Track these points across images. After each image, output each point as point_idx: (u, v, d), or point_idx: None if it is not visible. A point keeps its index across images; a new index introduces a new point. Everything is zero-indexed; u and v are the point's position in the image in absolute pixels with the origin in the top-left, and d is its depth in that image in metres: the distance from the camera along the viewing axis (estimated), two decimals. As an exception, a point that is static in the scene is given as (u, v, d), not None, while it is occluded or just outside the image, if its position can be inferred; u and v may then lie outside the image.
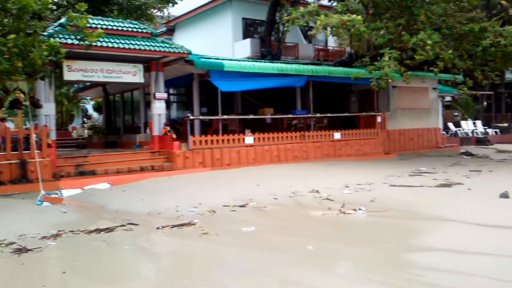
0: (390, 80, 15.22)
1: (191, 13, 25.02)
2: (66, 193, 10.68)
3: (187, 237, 6.67)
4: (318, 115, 17.32)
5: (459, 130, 28.81)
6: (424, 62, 15.46)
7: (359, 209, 8.17)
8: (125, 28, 13.25)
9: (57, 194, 10.57)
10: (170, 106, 23.01)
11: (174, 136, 13.91)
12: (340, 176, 12.80)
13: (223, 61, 14.31)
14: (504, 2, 28.75)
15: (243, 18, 23.07)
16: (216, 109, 19.61)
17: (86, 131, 24.28)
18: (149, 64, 14.13)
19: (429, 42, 12.25)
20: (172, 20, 26.85)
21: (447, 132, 28.21)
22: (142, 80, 13.96)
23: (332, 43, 26.82)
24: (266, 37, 21.36)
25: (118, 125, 22.55)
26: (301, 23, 14.33)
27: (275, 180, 12.09)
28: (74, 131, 29.83)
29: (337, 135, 17.25)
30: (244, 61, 15.36)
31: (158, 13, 23.29)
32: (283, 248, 5.96)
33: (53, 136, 12.68)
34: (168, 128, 14.07)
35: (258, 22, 23.29)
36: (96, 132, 23.79)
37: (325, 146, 16.86)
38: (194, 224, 7.43)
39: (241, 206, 8.82)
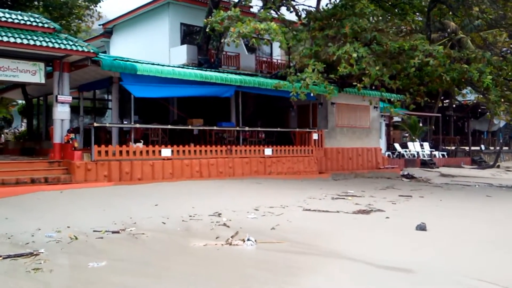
0: (317, 95, 14.31)
1: (129, 14, 23.53)
2: None
3: (11, 273, 5.20)
4: (247, 128, 16.16)
5: (406, 151, 28.43)
6: (350, 77, 14.62)
7: (248, 239, 6.92)
8: (23, 22, 11.72)
9: None
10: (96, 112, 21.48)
11: (76, 145, 12.36)
12: (257, 196, 11.61)
13: (137, 64, 12.92)
14: (453, 24, 28.89)
15: (182, 24, 21.78)
16: (152, 117, 18.29)
17: (2, 136, 22.23)
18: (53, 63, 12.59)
19: (354, 55, 11.35)
20: (109, 21, 25.24)
21: (393, 153, 27.76)
22: (43, 81, 12.40)
23: (277, 55, 25.92)
24: (203, 44, 20.15)
25: (41, 130, 20.69)
26: (219, 28, 13.14)
27: (181, 199, 10.76)
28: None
29: (267, 151, 16.13)
30: (162, 66, 14.03)
31: (88, 12, 21.66)
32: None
33: None
34: (71, 135, 12.51)
35: (198, 28, 22.08)
36: (16, 138, 21.78)
37: (255, 162, 15.69)
38: (36, 254, 5.96)
39: (114, 232, 7.40)
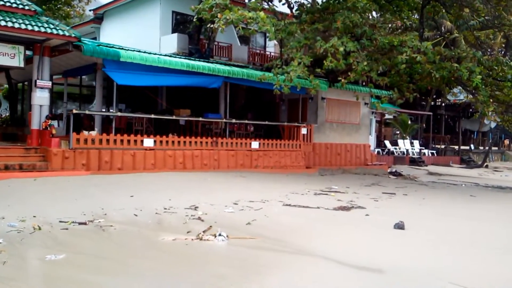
0: (310, 90, 14.03)
1: (120, 0, 23.04)
2: None
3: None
4: (233, 120, 15.87)
5: (395, 148, 28.27)
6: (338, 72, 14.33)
7: (219, 235, 6.67)
8: (1, 3, 11.37)
9: None
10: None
11: (54, 131, 12.02)
12: (239, 190, 11.36)
13: (120, 50, 12.56)
14: (448, 24, 28.66)
15: (174, 12, 21.35)
16: (141, 107, 17.93)
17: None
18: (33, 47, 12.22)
19: (340, 49, 11.06)
20: (100, 7, 24.77)
21: (383, 150, 27.59)
22: (22, 64, 12.03)
23: (271, 48, 25.58)
24: (194, 33, 19.77)
25: (24, 116, 20.26)
26: (207, 16, 12.80)
27: (159, 191, 10.46)
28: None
29: (254, 145, 15.86)
30: (149, 53, 13.66)
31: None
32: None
33: None
34: (49, 121, 12.17)
35: (191, 17, 21.65)
36: (1, 122, 21.35)
37: (241, 155, 15.42)
38: (-7, 245, 5.69)
39: (80, 224, 7.12)
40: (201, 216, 8.11)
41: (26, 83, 20.02)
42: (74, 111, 12.24)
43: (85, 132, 12.26)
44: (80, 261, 5.30)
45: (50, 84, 12.49)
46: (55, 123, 16.17)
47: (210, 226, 7.31)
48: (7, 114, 22.37)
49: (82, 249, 5.84)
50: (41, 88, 12.25)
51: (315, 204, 9.93)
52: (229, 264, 5.49)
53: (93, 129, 12.80)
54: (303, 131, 17.92)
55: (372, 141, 24.57)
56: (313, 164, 18.31)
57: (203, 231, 6.94)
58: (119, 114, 13.33)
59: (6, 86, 23.75)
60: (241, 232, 7.10)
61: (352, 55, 11.77)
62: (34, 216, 7.33)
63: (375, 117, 26.04)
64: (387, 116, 31.71)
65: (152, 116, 14.50)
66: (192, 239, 6.57)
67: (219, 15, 11.53)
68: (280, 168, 16.28)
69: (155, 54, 13.72)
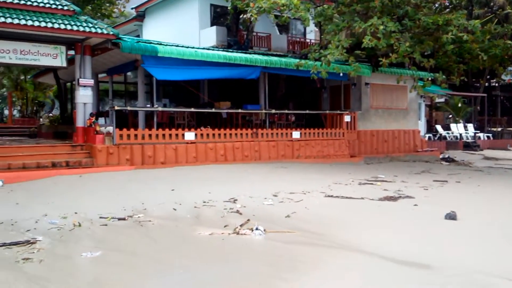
0: (349, 75, 13.49)
1: (160, -3, 23.24)
2: None
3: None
4: (273, 111, 15.61)
5: (448, 133, 27.01)
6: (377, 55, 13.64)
7: (256, 229, 6.49)
8: (42, 4, 11.63)
9: None
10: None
11: (98, 128, 12.25)
12: (280, 181, 11.13)
13: (158, 46, 12.58)
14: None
15: (212, 5, 21.26)
16: (185, 100, 18.05)
17: (41, 119, 22.76)
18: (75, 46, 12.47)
19: (380, 28, 10.47)
20: (141, 4, 25.08)
21: (434, 135, 26.44)
22: (64, 64, 12.32)
23: (312, 35, 25.01)
24: (232, 25, 19.61)
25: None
26: (242, 6, 12.54)
27: (200, 184, 10.42)
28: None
29: (295, 134, 15.55)
30: (187, 47, 13.61)
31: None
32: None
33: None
34: (93, 119, 12.41)
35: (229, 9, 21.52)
36: (51, 122, 22.20)
37: (282, 146, 15.16)
38: (33, 243, 5.77)
39: (120, 219, 7.15)
40: (240, 209, 7.96)
41: (74, 82, 20.65)
42: (115, 108, 12.40)
43: (102, 129, 12.48)
44: (114, 259, 5.27)
45: (93, 82, 12.73)
46: (102, 120, 16.60)
47: (248, 220, 7.14)
48: (58, 113, 23.22)
49: (118, 245, 5.82)
50: (84, 86, 12.51)
51: (359, 195, 9.54)
52: (263, 260, 5.28)
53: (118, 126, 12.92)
54: (347, 118, 17.39)
55: (422, 126, 23.60)
56: (358, 152, 17.76)
57: (240, 225, 6.78)
58: (159, 109, 13.43)
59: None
60: (280, 226, 6.88)
61: (393, 36, 11.16)
62: (75, 213, 7.44)
63: (424, 101, 24.96)
64: (437, 100, 30.36)
65: (192, 109, 14.50)
66: (229, 234, 6.43)
67: (251, 4, 11.27)
68: (322, 157, 15.89)
69: (193, 48, 13.66)
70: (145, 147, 12.55)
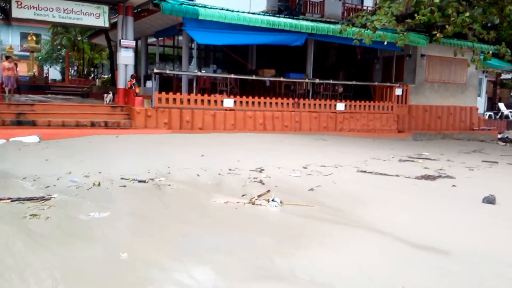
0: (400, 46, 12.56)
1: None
2: (-16, 144, 9.51)
3: (6, 217, 5.03)
4: (317, 80, 15.02)
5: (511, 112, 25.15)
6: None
7: (273, 200, 6.22)
8: (85, -37, 11.61)
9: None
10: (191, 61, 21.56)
11: (138, 90, 12.32)
12: (314, 153, 10.75)
13: (199, 8, 12.31)
14: None
15: (264, -33, 20.60)
16: (232, 67, 17.82)
17: (97, 80, 23.45)
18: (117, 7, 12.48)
19: (436, 0, 9.54)
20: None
21: (496, 114, 24.72)
22: (107, 24, 12.41)
23: (369, 2, 23.73)
24: (283, -11, 18.97)
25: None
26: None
27: (232, 151, 10.25)
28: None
29: (340, 106, 14.95)
30: (232, 11, 13.22)
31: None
32: (100, 251, 4.24)
33: None
34: (134, 81, 12.49)
35: (282, -28, 20.73)
36: (102, 83, 22.80)
37: (324, 117, 14.65)
38: (47, 199, 5.84)
39: (140, 181, 7.12)
40: (264, 179, 7.70)
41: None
42: (155, 70, 12.39)
43: (104, 96, 12.71)
44: (120, 220, 5.21)
45: (134, 44, 12.73)
46: (149, 83, 16.78)
47: (268, 190, 6.88)
48: (110, 75, 23.80)
49: (129, 207, 5.77)
50: (126, 47, 12.55)
51: (395, 172, 8.98)
52: (270, 233, 5.02)
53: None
54: (398, 91, 16.50)
55: (481, 103, 22.06)
56: (408, 128, 16.89)
57: (258, 196, 6.53)
58: (198, 73, 13.27)
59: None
60: (300, 198, 6.56)
61: (450, 5, 10.20)
62: (99, 172, 7.51)
63: (486, 76, 23.24)
64: (503, 76, 28.23)
65: (232, 76, 14.23)
66: (244, 203, 6.21)
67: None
68: (367, 131, 15.22)
69: (236, 11, 13.26)
70: (183, 112, 12.51)
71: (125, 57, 12.61)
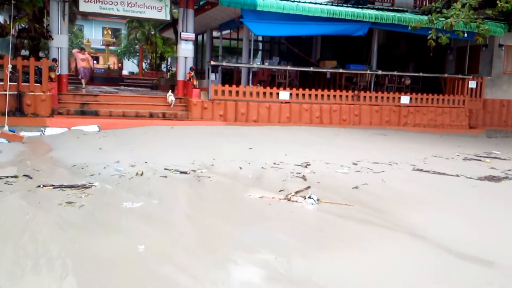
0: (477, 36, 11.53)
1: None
2: (49, 131, 10.10)
3: (43, 203, 5.24)
4: (379, 72, 14.32)
5: None
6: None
7: (309, 197, 5.97)
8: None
9: (42, 131, 10.07)
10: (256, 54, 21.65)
11: (195, 82, 12.47)
12: (369, 149, 10.25)
13: (257, -1, 12.17)
14: None
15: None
16: (296, 59, 17.60)
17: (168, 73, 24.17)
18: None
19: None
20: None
21: None
22: (168, 17, 12.66)
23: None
24: (351, -22, 18.24)
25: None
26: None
27: (282, 145, 10.05)
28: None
29: (404, 99, 14.16)
30: (290, 0, 12.92)
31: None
32: (120, 241, 4.28)
33: (65, 70, 12.12)
34: (192, 73, 12.65)
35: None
36: (171, 75, 23.46)
37: (386, 111, 13.96)
38: (88, 187, 6.03)
39: (181, 172, 7.17)
40: (307, 174, 7.45)
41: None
42: (212, 63, 12.47)
43: (167, 95, 12.84)
44: (149, 211, 5.23)
45: (193, 36, 12.88)
46: (212, 76, 16.98)
47: (308, 187, 6.63)
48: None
49: (163, 199, 5.78)
50: (186, 40, 12.74)
51: (456, 172, 8.31)
52: (299, 232, 4.80)
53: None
54: (471, 84, 15.32)
55: None
56: (481, 124, 15.66)
57: (296, 192, 6.31)
58: (255, 66, 13.17)
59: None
60: (342, 197, 6.25)
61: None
62: (145, 162, 7.66)
63: None
64: None
65: (289, 68, 13.97)
66: (280, 199, 6.02)
67: None
68: (434, 127, 14.29)
69: (295, 1, 12.94)
70: (238, 104, 12.49)
71: (185, 50, 12.81)
